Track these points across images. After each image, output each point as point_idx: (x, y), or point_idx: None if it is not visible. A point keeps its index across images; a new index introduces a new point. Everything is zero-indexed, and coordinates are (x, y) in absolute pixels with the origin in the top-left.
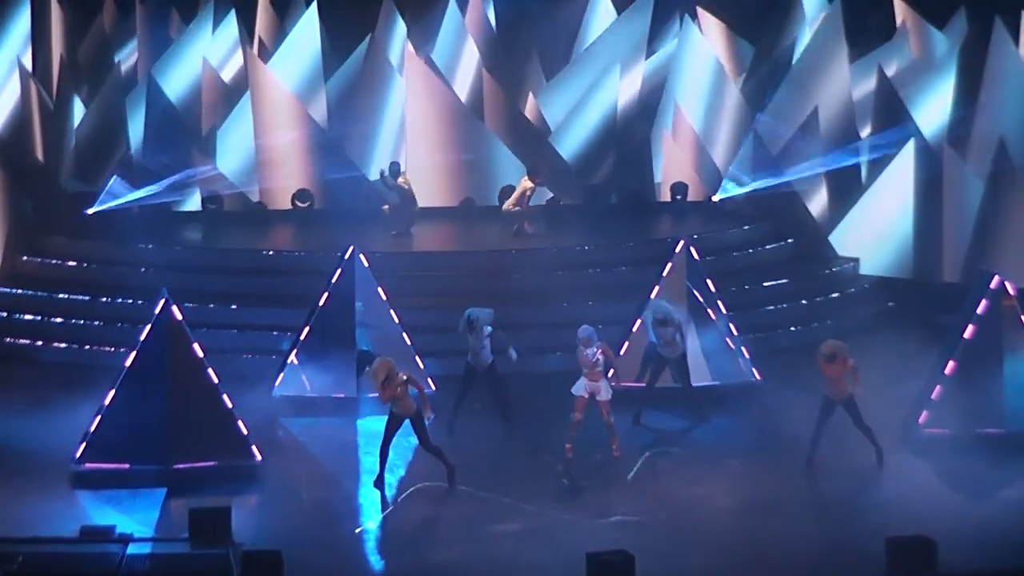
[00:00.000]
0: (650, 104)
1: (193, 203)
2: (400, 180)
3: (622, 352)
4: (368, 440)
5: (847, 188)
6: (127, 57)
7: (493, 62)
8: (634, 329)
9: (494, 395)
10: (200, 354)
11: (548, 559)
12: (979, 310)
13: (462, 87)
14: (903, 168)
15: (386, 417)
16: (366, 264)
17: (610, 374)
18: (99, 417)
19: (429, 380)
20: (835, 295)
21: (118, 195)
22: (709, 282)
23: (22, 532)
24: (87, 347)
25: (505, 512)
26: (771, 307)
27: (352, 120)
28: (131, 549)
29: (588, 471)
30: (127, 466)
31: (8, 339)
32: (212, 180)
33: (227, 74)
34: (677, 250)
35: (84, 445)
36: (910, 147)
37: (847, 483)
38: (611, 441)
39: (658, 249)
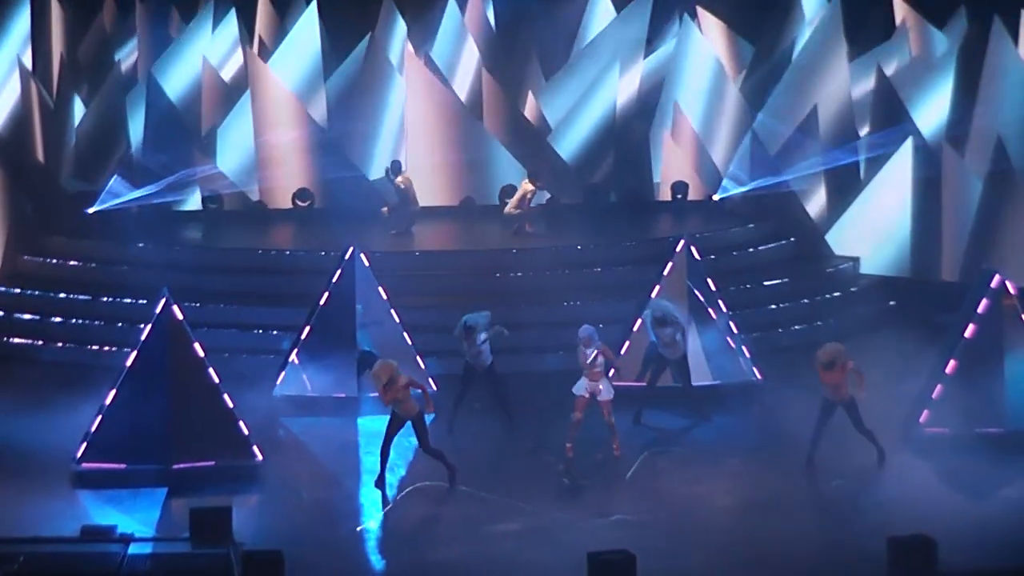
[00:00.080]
0: (649, 103)
1: (193, 202)
2: (400, 179)
3: (623, 351)
4: (369, 440)
5: (846, 187)
6: (127, 56)
7: (493, 61)
8: (634, 328)
9: (493, 395)
10: (201, 353)
11: (549, 558)
12: (980, 309)
13: (462, 86)
14: (901, 167)
15: (387, 417)
16: (366, 263)
17: (611, 373)
18: (100, 417)
19: (430, 380)
20: (835, 294)
21: (118, 194)
22: (710, 281)
23: (23, 532)
24: (88, 347)
25: (506, 511)
26: (772, 306)
27: (352, 119)
28: (132, 549)
29: (589, 470)
30: (128, 466)
31: (9, 339)
32: (212, 179)
33: (227, 73)
34: (678, 249)
35: (85, 445)
36: (908, 146)
37: (848, 482)
38: (612, 441)
39: (659, 248)
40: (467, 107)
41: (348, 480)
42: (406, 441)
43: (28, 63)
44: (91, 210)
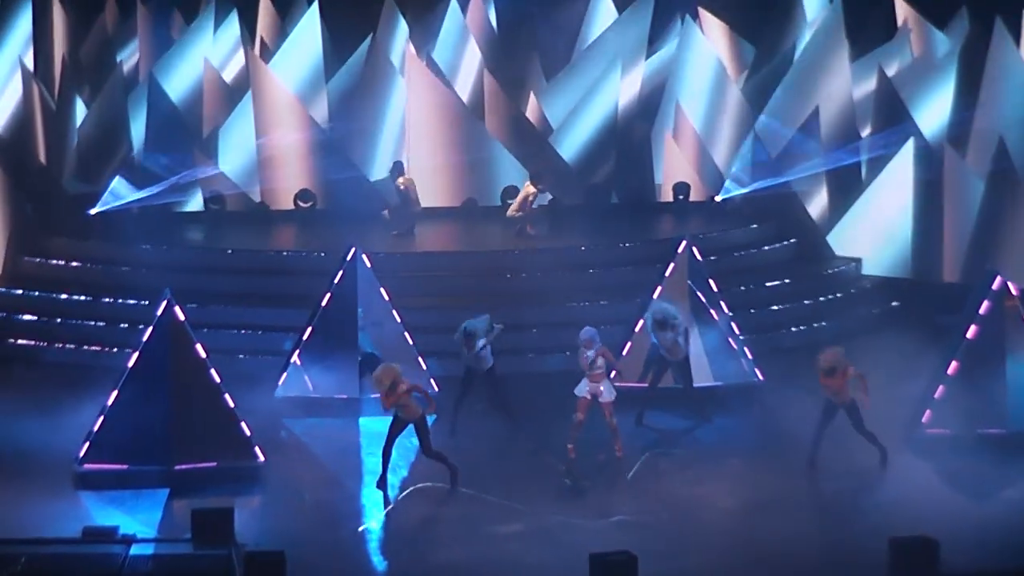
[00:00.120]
0: (651, 104)
1: (195, 203)
2: (401, 181)
3: (624, 353)
4: (371, 441)
5: (847, 188)
6: (129, 57)
7: (494, 62)
8: (636, 329)
9: (492, 398)
10: (203, 355)
11: (551, 560)
12: (981, 310)
13: (463, 87)
14: (902, 168)
15: (389, 418)
16: (368, 264)
17: (612, 375)
18: (102, 418)
19: (432, 381)
20: (837, 295)
21: (120, 196)
22: (711, 282)
23: (25, 533)
24: (89, 348)
25: (508, 513)
26: (773, 307)
27: (353, 120)
28: (134, 550)
29: (590, 471)
30: (129, 467)
31: (10, 340)
32: (214, 180)
33: (229, 74)
34: (679, 250)
35: (87, 446)
36: (909, 146)
37: (849, 483)
38: (614, 442)
39: (660, 249)
40: (469, 108)
41: (350, 481)
42: (408, 442)
43: (30, 64)
44: (93, 211)
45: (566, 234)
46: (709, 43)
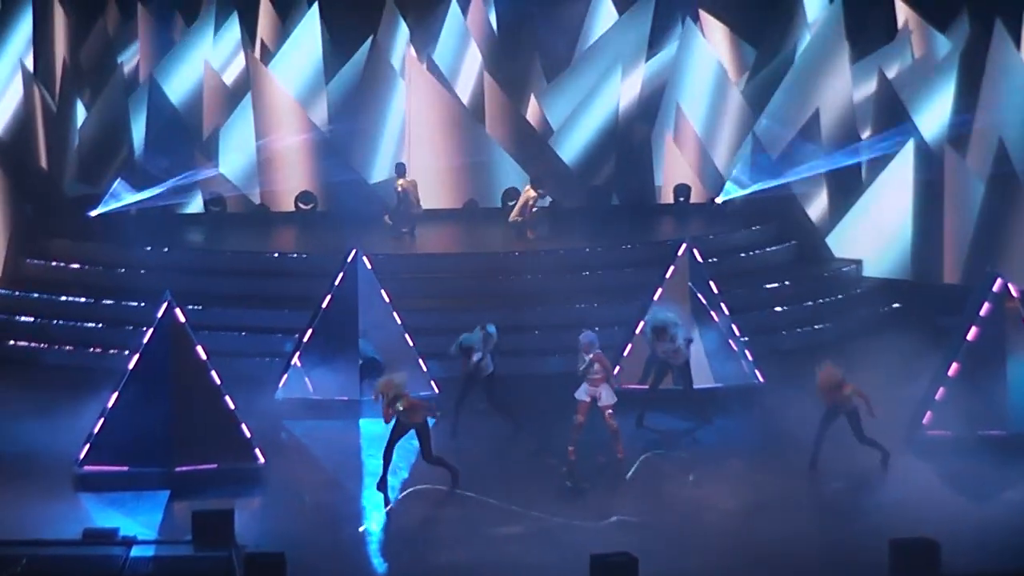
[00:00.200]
0: (651, 106)
1: (196, 205)
2: (400, 182)
3: (625, 354)
4: (371, 443)
5: (847, 190)
6: (129, 59)
7: (495, 64)
8: (637, 331)
9: (491, 402)
10: (203, 356)
11: (552, 561)
12: (982, 312)
13: (464, 89)
14: (902, 169)
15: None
16: (369, 266)
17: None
18: (102, 419)
19: (432, 383)
20: (838, 297)
21: (121, 198)
22: (712, 284)
23: (25, 535)
24: (90, 350)
25: (508, 514)
26: (774, 309)
27: (354, 122)
28: (134, 552)
29: (591, 473)
30: (130, 468)
31: (11, 342)
32: (214, 182)
33: (229, 76)
34: (680, 252)
35: (87, 447)
36: (909, 148)
37: (849, 484)
38: (614, 444)
39: (661, 251)
40: (469, 110)
41: (350, 483)
42: (409, 444)
43: (31, 66)
44: (93, 213)
45: (567, 236)
46: (710, 45)
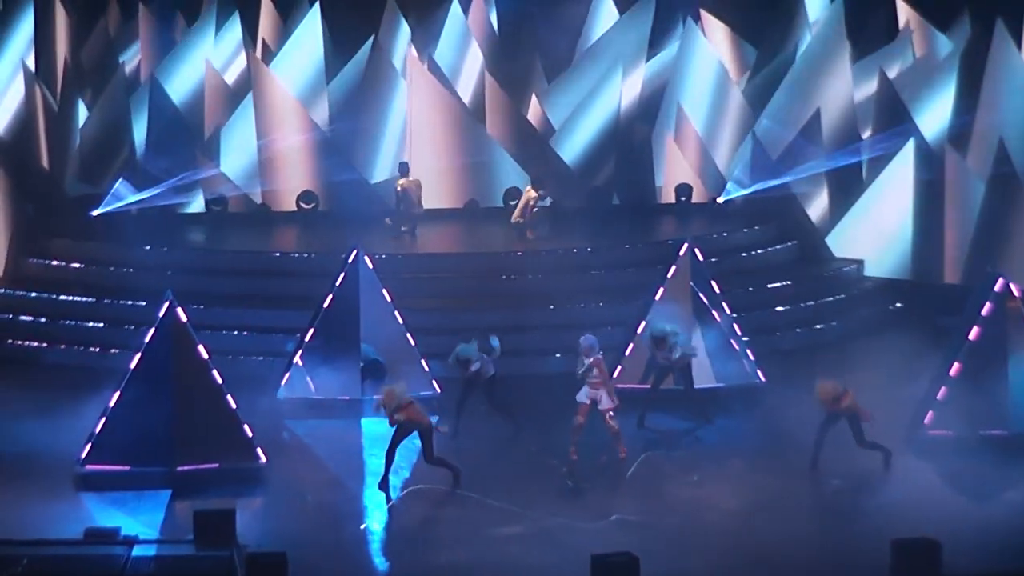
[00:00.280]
0: (652, 106)
1: (197, 205)
2: (400, 182)
3: (626, 354)
4: (373, 442)
5: (848, 190)
6: (131, 59)
7: (496, 64)
8: (638, 331)
9: (491, 405)
10: (205, 356)
11: (552, 561)
12: (983, 312)
13: (465, 89)
14: (903, 169)
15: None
16: (370, 266)
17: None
18: (104, 419)
19: (434, 382)
20: (839, 297)
21: (122, 197)
22: (713, 284)
23: (26, 534)
24: (92, 349)
25: (509, 514)
26: (775, 309)
27: (355, 122)
28: (136, 551)
29: (592, 473)
30: (132, 468)
31: (12, 341)
32: (215, 182)
33: (230, 76)
34: (681, 252)
35: (89, 447)
36: (910, 148)
37: (850, 484)
38: (616, 445)
39: (662, 251)
40: (470, 110)
41: (352, 482)
42: (411, 443)
43: (32, 66)
44: (95, 213)
45: (568, 236)
46: (710, 45)
